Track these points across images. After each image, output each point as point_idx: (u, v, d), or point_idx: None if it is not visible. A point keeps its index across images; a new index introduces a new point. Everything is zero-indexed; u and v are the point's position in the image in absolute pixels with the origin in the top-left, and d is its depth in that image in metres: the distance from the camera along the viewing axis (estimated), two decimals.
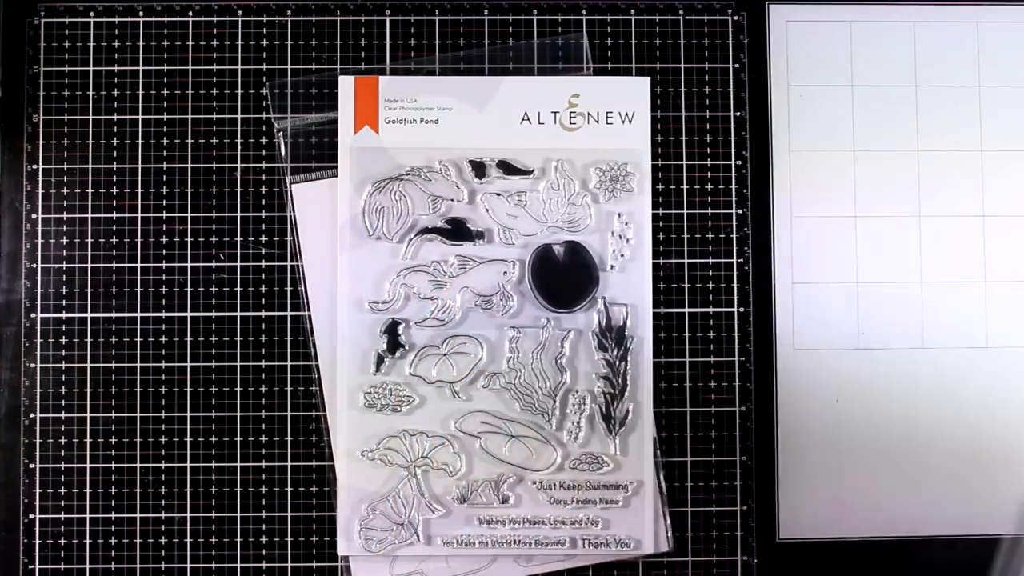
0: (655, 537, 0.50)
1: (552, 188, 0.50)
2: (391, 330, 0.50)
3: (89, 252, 0.51)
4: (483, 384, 0.50)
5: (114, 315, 0.51)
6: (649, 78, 0.51)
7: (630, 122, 0.51)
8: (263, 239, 0.51)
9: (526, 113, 0.51)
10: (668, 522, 0.50)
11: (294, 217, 0.51)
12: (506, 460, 0.50)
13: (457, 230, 0.50)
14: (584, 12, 0.52)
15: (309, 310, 0.51)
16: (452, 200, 0.50)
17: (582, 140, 0.51)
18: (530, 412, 0.50)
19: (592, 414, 0.50)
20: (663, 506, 0.50)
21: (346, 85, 0.51)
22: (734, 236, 0.52)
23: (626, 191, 0.51)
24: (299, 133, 0.51)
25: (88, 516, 0.51)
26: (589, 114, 0.51)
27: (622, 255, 0.50)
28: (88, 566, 0.50)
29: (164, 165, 0.52)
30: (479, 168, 0.50)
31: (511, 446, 0.50)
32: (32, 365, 0.51)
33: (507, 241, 0.50)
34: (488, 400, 0.50)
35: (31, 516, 0.50)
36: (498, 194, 0.50)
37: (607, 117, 0.51)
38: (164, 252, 0.51)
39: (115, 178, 0.51)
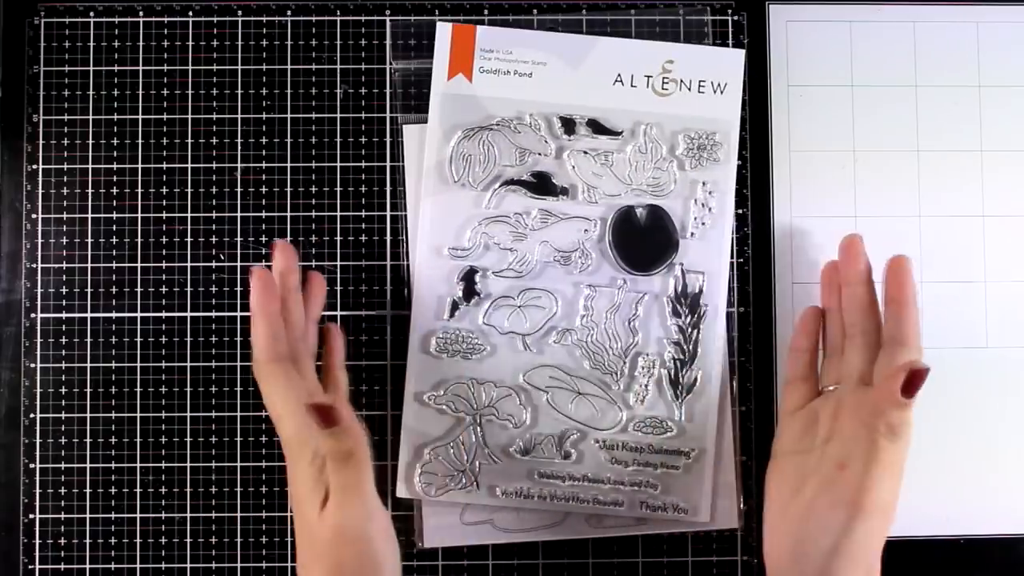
0: (711, 509, 0.50)
1: (639, 151, 0.51)
2: (468, 278, 0.50)
3: (89, 252, 0.51)
4: (554, 339, 0.50)
5: (114, 315, 0.51)
6: (744, 51, 0.51)
7: (722, 92, 0.51)
8: (263, 239, 0.51)
9: (619, 75, 0.51)
10: (742, 497, 0.50)
11: (402, 155, 0.51)
12: (571, 417, 0.50)
13: (541, 184, 0.50)
14: (584, 12, 0.52)
15: (407, 257, 0.51)
16: (539, 154, 0.51)
17: (673, 106, 0.51)
18: (599, 371, 0.50)
19: (660, 378, 0.50)
20: (737, 480, 0.50)
21: (443, 32, 0.51)
22: (734, 236, 0.52)
23: (712, 160, 0.51)
24: (410, 75, 0.51)
25: (88, 516, 0.51)
26: (682, 81, 0.51)
27: (703, 223, 0.50)
28: (88, 566, 0.50)
29: (164, 165, 0.52)
30: (568, 125, 0.51)
31: (577, 403, 0.50)
32: (32, 365, 0.51)
33: (590, 200, 0.50)
34: (558, 355, 0.50)
35: (31, 516, 0.50)
36: (585, 152, 0.51)
37: (699, 86, 0.51)
38: (164, 252, 0.51)
39: (115, 178, 0.51)
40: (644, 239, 0.50)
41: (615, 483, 0.50)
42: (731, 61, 0.51)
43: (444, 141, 0.50)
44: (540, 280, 0.50)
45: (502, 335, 0.50)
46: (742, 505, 0.50)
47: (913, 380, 0.41)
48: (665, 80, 0.51)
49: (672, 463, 0.50)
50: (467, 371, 0.50)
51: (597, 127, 0.51)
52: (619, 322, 0.50)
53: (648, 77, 0.51)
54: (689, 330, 0.50)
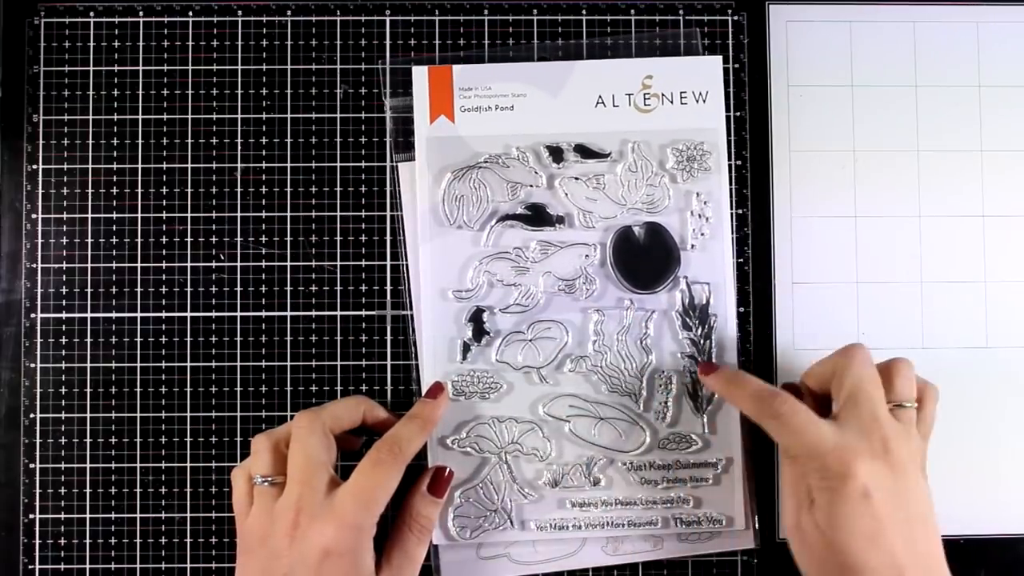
0: (745, 516, 0.50)
1: (630, 170, 0.51)
2: (476, 318, 0.50)
3: (89, 252, 0.51)
4: (569, 368, 0.50)
5: (114, 315, 0.51)
6: (721, 57, 0.51)
7: (704, 101, 0.51)
8: (263, 239, 0.51)
9: (600, 97, 0.51)
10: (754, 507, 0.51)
11: (398, 191, 0.51)
12: (595, 443, 0.50)
13: (537, 216, 0.51)
14: (584, 12, 0.52)
15: (410, 303, 0.51)
16: (531, 186, 0.51)
17: (657, 121, 0.51)
18: (617, 394, 0.50)
19: (679, 393, 0.50)
20: (747, 496, 0.51)
21: (419, 75, 0.51)
22: (734, 236, 0.52)
23: (703, 170, 0.51)
24: (405, 112, 0.51)
25: (88, 516, 0.51)
26: (663, 95, 0.51)
27: (702, 234, 0.51)
28: (88, 566, 0.50)
29: (164, 165, 0.52)
30: (556, 153, 0.51)
31: (600, 429, 0.50)
32: (32, 365, 0.51)
33: (587, 225, 0.51)
34: (575, 383, 0.50)
35: (31, 516, 0.50)
36: (576, 178, 0.51)
37: (681, 97, 0.51)
38: (164, 252, 0.51)
39: (115, 178, 0.51)
40: (645, 257, 0.50)
41: (648, 503, 0.50)
42: (709, 69, 0.51)
43: (435, 184, 0.50)
44: (548, 311, 0.50)
45: (517, 371, 0.50)
46: (756, 525, 0.51)
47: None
48: (646, 96, 0.51)
49: (702, 476, 0.50)
50: (487, 410, 0.50)
51: (585, 151, 0.51)
52: (631, 343, 0.50)
53: (629, 95, 0.51)
54: (702, 341, 0.50)
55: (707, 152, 0.51)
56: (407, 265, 0.51)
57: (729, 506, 0.50)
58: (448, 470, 0.49)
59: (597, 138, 0.51)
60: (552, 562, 0.50)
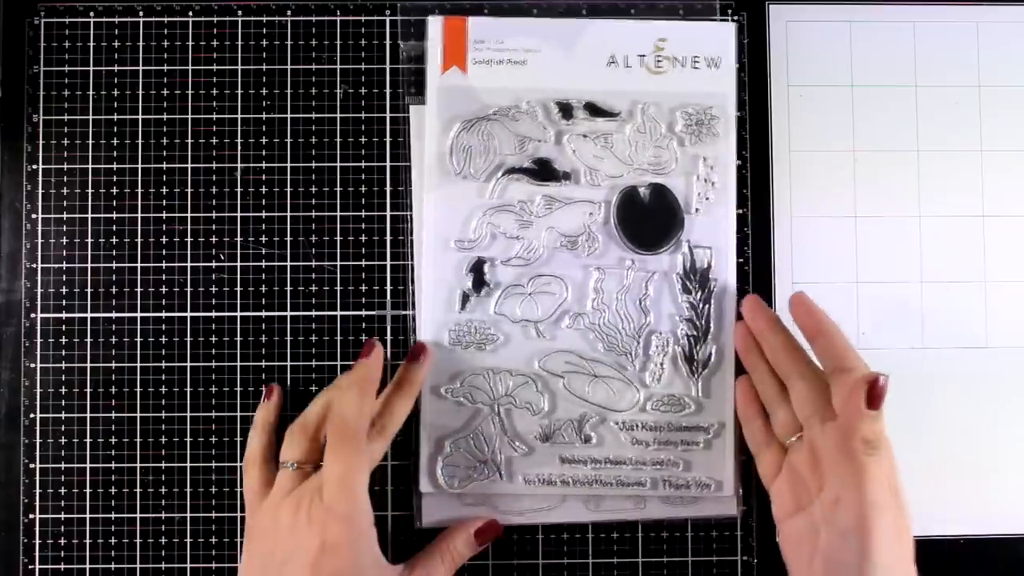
0: (734, 482, 0.50)
1: (638, 131, 0.51)
2: (476, 268, 0.50)
3: (89, 252, 0.51)
4: (567, 324, 0.50)
5: (114, 315, 0.51)
6: (735, 24, 0.51)
7: (716, 67, 0.51)
8: (263, 239, 0.51)
9: (613, 56, 0.51)
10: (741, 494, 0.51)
11: (408, 138, 0.51)
12: (589, 400, 0.50)
13: (543, 170, 0.51)
14: (584, 13, 0.52)
15: (411, 249, 0.51)
16: (539, 141, 0.51)
17: (668, 84, 0.51)
18: (613, 353, 0.50)
19: (675, 356, 0.50)
20: (737, 480, 0.51)
21: (435, 25, 0.51)
22: (734, 236, 0.52)
23: (711, 135, 0.51)
24: (418, 56, 0.51)
25: (88, 516, 0.51)
26: (676, 58, 0.51)
27: (707, 198, 0.51)
28: (88, 566, 0.50)
29: (164, 165, 0.52)
30: (566, 109, 0.51)
31: (594, 386, 0.50)
32: (32, 365, 0.51)
33: (593, 183, 0.51)
34: (572, 340, 0.50)
35: (31, 516, 0.50)
36: (584, 136, 0.51)
37: (693, 62, 0.51)
38: (164, 252, 0.51)
39: (115, 178, 0.51)
40: (649, 218, 0.50)
41: (637, 463, 0.50)
42: (723, 35, 0.51)
43: (443, 134, 0.50)
44: (549, 266, 0.50)
45: (515, 324, 0.50)
46: (741, 506, 0.51)
47: (874, 390, 0.42)
48: (659, 58, 0.51)
49: (693, 439, 0.50)
50: (482, 361, 0.50)
51: (594, 110, 0.51)
52: (630, 302, 0.50)
53: (641, 56, 0.51)
54: (701, 306, 0.50)
55: (716, 117, 0.51)
56: (411, 215, 0.51)
57: (719, 471, 0.50)
58: (499, 526, 0.49)
59: (607, 97, 0.51)
60: (533, 513, 0.50)
